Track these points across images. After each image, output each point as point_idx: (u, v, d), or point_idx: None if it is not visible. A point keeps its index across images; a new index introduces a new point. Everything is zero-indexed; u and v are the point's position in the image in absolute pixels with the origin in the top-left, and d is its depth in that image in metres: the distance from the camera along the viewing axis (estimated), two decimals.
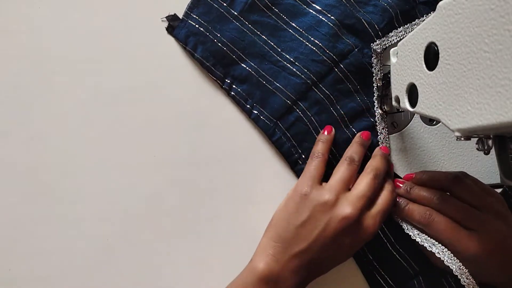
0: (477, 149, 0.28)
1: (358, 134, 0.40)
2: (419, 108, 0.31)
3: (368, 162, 0.38)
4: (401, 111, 0.42)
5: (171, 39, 0.41)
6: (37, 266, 0.40)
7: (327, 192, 0.35)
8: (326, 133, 0.40)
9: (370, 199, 0.35)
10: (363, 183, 0.36)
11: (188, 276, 0.40)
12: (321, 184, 0.37)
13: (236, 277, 0.36)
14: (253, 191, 0.42)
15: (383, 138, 0.41)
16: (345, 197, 0.35)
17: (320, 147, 0.39)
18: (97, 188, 0.41)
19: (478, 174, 0.41)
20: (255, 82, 0.41)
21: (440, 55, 0.27)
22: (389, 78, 0.38)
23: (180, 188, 0.41)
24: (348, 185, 0.36)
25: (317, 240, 0.34)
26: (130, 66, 0.41)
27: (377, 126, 0.41)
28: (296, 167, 0.41)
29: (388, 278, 0.41)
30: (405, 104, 0.33)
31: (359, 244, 0.35)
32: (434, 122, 0.42)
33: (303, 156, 0.41)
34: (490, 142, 0.27)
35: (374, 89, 0.41)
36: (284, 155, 0.41)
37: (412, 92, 0.32)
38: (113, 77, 0.41)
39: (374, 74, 0.40)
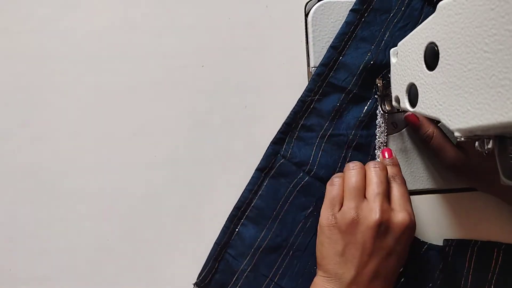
0: (477, 149, 0.28)
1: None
2: (419, 108, 0.31)
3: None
4: (401, 111, 0.42)
5: (171, 39, 0.41)
6: (37, 266, 0.40)
7: (347, 211, 0.34)
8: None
9: (386, 191, 0.34)
10: (370, 180, 0.35)
11: (188, 276, 0.40)
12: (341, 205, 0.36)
13: None
14: None
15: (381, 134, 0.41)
16: (363, 206, 0.34)
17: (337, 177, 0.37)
18: (97, 188, 0.41)
19: None
20: None
21: (440, 55, 0.27)
22: (389, 78, 0.38)
23: (180, 188, 0.41)
24: (362, 190, 0.35)
25: (363, 260, 0.33)
26: (130, 66, 0.41)
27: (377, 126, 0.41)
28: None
29: None
30: (405, 104, 0.33)
31: (408, 237, 0.34)
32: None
33: None
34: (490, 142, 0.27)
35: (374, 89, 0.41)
36: None
37: (412, 92, 0.32)
38: (113, 77, 0.41)
39: None
